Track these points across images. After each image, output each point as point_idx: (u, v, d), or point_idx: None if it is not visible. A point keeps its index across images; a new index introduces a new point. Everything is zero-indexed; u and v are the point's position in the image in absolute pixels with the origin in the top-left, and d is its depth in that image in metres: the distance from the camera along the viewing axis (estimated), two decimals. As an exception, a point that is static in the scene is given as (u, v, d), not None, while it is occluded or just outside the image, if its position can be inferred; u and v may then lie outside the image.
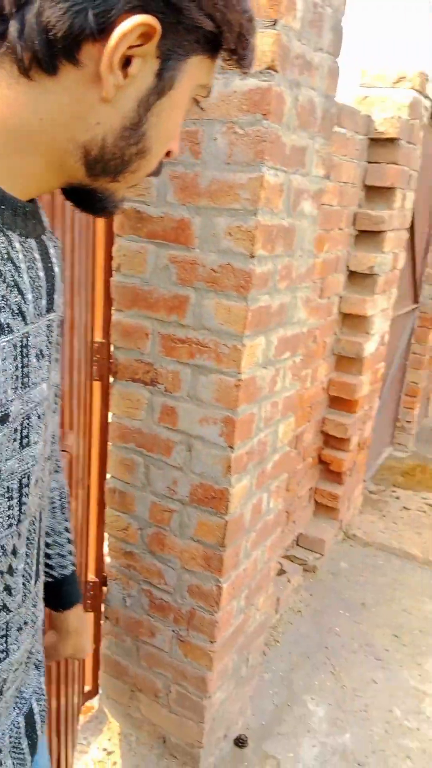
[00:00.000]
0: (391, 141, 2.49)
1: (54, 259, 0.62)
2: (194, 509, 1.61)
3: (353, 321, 2.80)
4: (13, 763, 0.70)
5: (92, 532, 1.81)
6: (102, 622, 1.87)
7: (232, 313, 1.43)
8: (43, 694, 0.78)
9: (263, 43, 1.24)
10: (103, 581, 1.84)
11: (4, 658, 0.64)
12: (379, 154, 2.53)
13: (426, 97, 2.67)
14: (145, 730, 1.84)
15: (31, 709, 0.75)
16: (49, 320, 0.61)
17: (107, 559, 1.81)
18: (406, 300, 3.84)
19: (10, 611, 0.62)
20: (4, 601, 0.61)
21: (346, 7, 1.51)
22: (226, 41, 0.54)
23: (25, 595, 0.65)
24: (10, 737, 0.70)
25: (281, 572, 2.62)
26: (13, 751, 0.70)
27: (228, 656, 1.76)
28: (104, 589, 1.85)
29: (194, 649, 1.68)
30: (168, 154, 0.62)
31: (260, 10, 1.23)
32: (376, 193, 2.61)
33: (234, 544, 1.64)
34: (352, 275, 2.74)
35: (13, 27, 0.48)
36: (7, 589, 0.60)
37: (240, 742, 1.90)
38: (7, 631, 0.63)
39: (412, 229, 3.40)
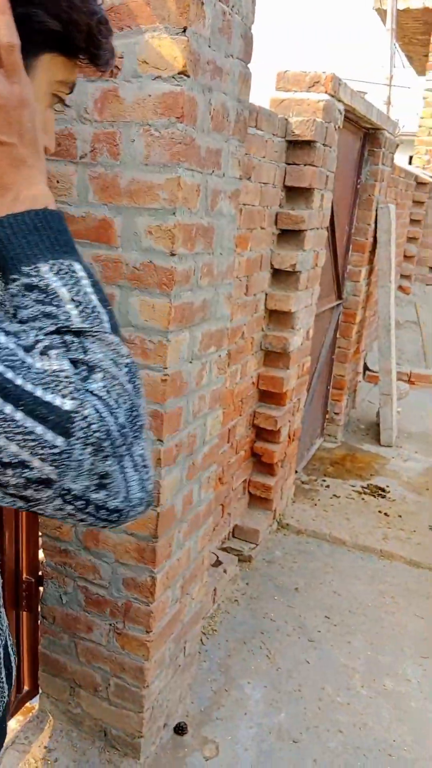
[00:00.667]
0: (308, 143, 2.59)
1: None
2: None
3: (279, 317, 2.89)
4: None
5: (26, 531, 1.81)
6: (39, 621, 1.87)
7: (156, 309, 1.47)
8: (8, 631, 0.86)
9: (174, 49, 1.29)
10: (39, 580, 1.85)
11: None
12: (296, 156, 2.63)
13: (339, 100, 2.80)
14: (86, 725, 1.86)
15: (6, 642, 0.81)
16: None
17: (42, 558, 1.82)
18: (330, 296, 3.99)
19: None
20: None
21: (254, 16, 1.58)
22: (75, 41, 0.61)
23: None
24: None
25: (217, 563, 2.68)
26: None
27: (165, 645, 1.81)
28: (40, 588, 1.85)
29: (131, 641, 1.72)
30: (46, 151, 0.66)
31: (170, 18, 1.28)
32: (296, 193, 2.71)
33: (166, 535, 1.69)
34: (276, 273, 2.83)
35: None
36: None
37: (180, 730, 1.94)
38: None
39: (332, 228, 3.54)
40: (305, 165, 2.63)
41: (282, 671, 2.24)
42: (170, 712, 1.95)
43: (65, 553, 1.75)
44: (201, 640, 2.34)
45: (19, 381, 0.51)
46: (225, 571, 2.65)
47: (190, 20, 1.29)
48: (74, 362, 0.55)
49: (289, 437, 3.26)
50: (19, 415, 0.51)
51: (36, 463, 0.52)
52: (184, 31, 1.28)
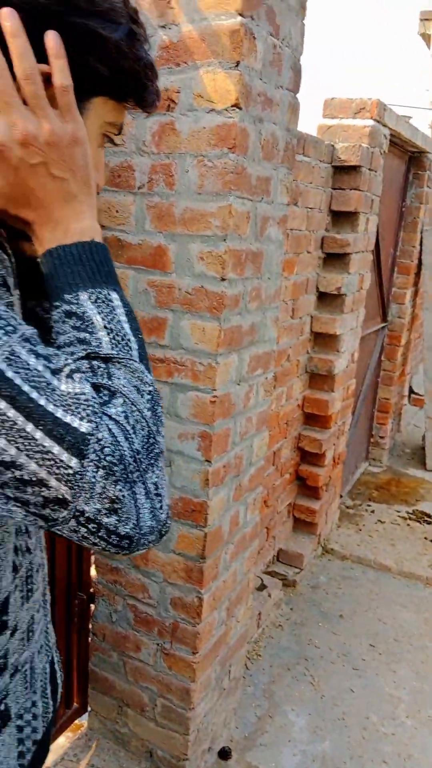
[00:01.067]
0: (354, 168, 2.62)
1: None
2: (175, 523, 1.66)
3: (324, 340, 2.90)
4: (42, 705, 0.80)
5: (78, 547, 1.85)
6: (90, 638, 1.90)
7: (206, 333, 1.51)
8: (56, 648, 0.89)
9: (228, 82, 1.34)
10: (90, 598, 1.88)
11: (30, 596, 0.74)
12: (342, 181, 2.66)
13: (384, 125, 2.82)
14: (132, 745, 1.87)
15: (53, 658, 0.85)
16: None
17: (94, 575, 1.85)
18: (375, 319, 3.97)
19: (32, 553, 0.75)
20: (27, 544, 0.73)
21: (303, 47, 1.62)
22: (123, 85, 0.65)
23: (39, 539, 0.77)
24: (41, 681, 0.80)
25: (262, 587, 2.67)
26: (43, 695, 0.80)
27: (210, 667, 1.81)
28: (91, 606, 1.88)
29: (178, 661, 1.73)
30: (96, 187, 0.69)
31: (224, 53, 1.34)
32: (341, 217, 2.74)
33: (214, 555, 1.70)
34: (322, 296, 2.85)
35: None
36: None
37: (224, 754, 1.93)
38: (31, 570, 0.74)
39: (377, 251, 3.54)
40: (351, 189, 2.65)
41: (326, 699, 2.21)
42: (215, 735, 1.94)
43: (116, 571, 1.78)
44: (245, 664, 2.33)
45: (42, 401, 0.53)
46: (269, 595, 2.63)
47: (243, 55, 1.34)
48: (97, 387, 0.57)
49: (334, 461, 3.24)
50: (39, 435, 0.53)
51: (53, 482, 0.53)
52: (237, 65, 1.33)
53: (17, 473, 0.53)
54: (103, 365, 0.58)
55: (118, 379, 0.58)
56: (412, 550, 3.25)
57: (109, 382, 0.57)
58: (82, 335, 0.59)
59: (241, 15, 1.30)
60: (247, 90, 1.38)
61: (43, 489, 0.53)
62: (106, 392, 0.57)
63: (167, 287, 1.50)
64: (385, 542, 3.31)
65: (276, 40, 1.46)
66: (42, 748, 0.83)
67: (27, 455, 0.53)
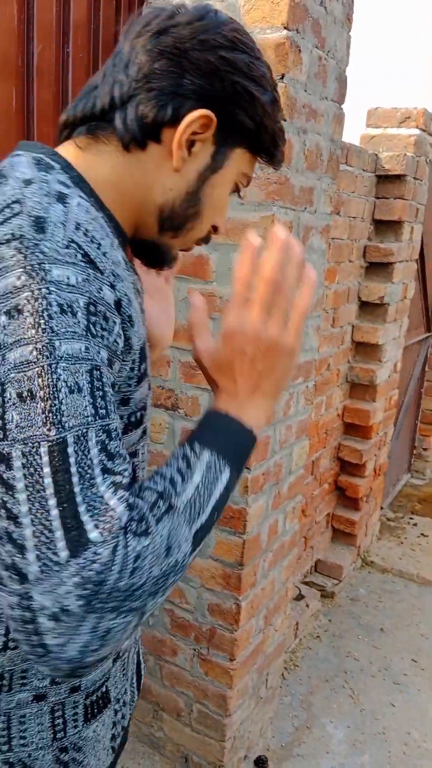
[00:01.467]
0: (398, 177, 2.61)
1: None
2: (214, 529, 1.68)
3: (366, 349, 2.88)
4: (130, 693, 0.87)
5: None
6: (125, 641, 1.92)
7: (247, 341, 1.52)
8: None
9: (272, 95, 1.36)
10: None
11: None
12: (386, 190, 2.65)
13: (430, 134, 2.80)
14: (168, 749, 1.88)
15: (139, 650, 0.91)
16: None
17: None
18: (419, 328, 3.92)
19: None
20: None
21: (349, 59, 1.63)
22: (262, 141, 0.74)
23: None
24: (131, 670, 0.87)
25: (300, 597, 2.65)
26: (131, 684, 0.87)
27: (248, 675, 1.81)
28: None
29: (215, 667, 1.73)
30: (215, 230, 0.80)
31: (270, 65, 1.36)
32: (385, 226, 2.72)
33: (252, 563, 1.71)
34: (364, 305, 2.83)
35: (118, 117, 0.69)
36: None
37: (260, 763, 1.92)
38: None
39: (422, 260, 3.50)
40: (395, 198, 2.64)
41: (366, 713, 2.18)
42: (251, 744, 1.94)
43: (153, 576, 1.80)
44: (283, 674, 2.31)
45: (76, 490, 0.53)
46: (307, 606, 2.62)
47: (288, 67, 1.35)
48: (141, 518, 0.56)
49: (375, 472, 3.20)
50: (54, 513, 0.52)
51: (31, 557, 0.52)
52: (282, 77, 1.35)
53: (10, 527, 0.53)
54: (164, 509, 0.58)
55: (163, 529, 0.58)
56: (455, 565, 3.18)
57: (154, 524, 0.57)
58: (176, 478, 0.61)
59: (286, 28, 1.32)
60: (292, 102, 1.39)
61: (18, 556, 0.53)
62: (143, 527, 0.56)
63: (208, 296, 1.53)
64: (428, 556, 3.25)
65: (321, 51, 1.47)
66: (125, 736, 0.88)
67: (31, 520, 0.52)
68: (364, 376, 2.90)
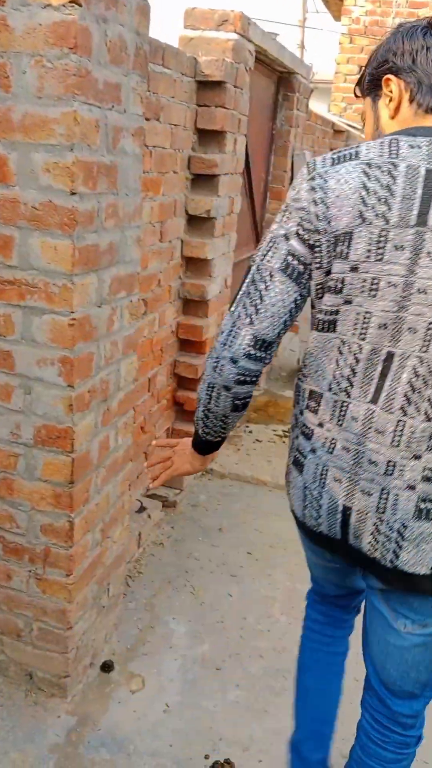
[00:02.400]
0: (218, 84, 2.55)
1: None
2: (40, 450, 1.63)
3: (195, 264, 2.88)
4: None
5: None
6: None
7: (58, 251, 1.44)
8: None
9: (63, -28, 1.23)
10: None
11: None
12: (207, 97, 2.58)
13: (249, 40, 2.75)
14: (11, 670, 1.88)
15: None
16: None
17: None
18: (249, 245, 4.00)
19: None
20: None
21: None
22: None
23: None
24: None
25: (142, 509, 2.72)
26: None
27: (87, 587, 1.84)
28: None
29: (52, 585, 1.74)
30: None
31: None
32: (208, 136, 2.67)
33: (83, 480, 1.70)
34: (192, 219, 2.81)
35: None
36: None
37: (106, 667, 2.00)
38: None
39: (248, 175, 3.52)
40: (216, 107, 2.59)
41: (206, 605, 2.34)
42: (96, 651, 2.00)
43: (-20, 504, 1.73)
44: (127, 582, 2.39)
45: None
46: (149, 516, 2.70)
47: None
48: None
49: (211, 385, 3.30)
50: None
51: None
52: None
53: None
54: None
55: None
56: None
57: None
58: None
59: None
60: (86, -18, 1.27)
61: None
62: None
63: (11, 202, 1.41)
64: (262, 460, 3.47)
65: None
66: None
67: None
68: (195, 292, 2.91)
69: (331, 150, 5.02)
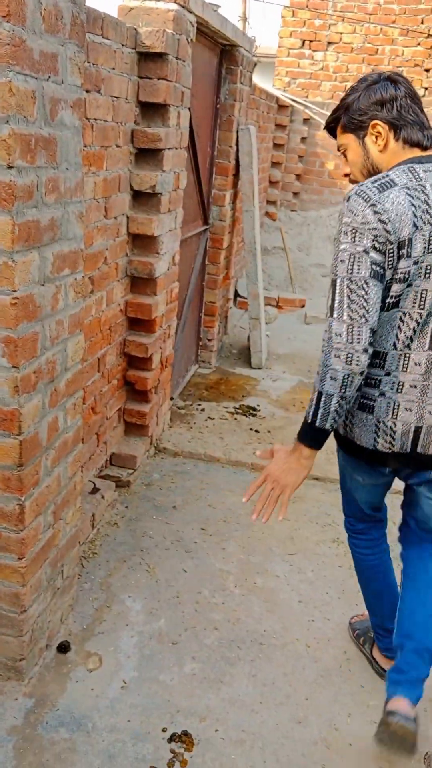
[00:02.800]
0: (160, 56, 2.50)
1: None
2: (-15, 434, 1.60)
3: (142, 241, 2.85)
4: None
5: None
6: None
7: (-3, 228, 1.40)
8: None
9: None
10: None
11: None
12: (149, 69, 2.53)
13: (190, 11, 2.70)
14: (-35, 657, 1.86)
15: None
16: None
17: None
18: (197, 221, 3.98)
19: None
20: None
21: None
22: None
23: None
24: None
25: (95, 490, 2.71)
26: None
27: (40, 570, 1.82)
28: None
29: (3, 569, 1.72)
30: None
31: None
32: (151, 110, 2.63)
33: (32, 462, 1.68)
34: (137, 195, 2.76)
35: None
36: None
37: (63, 648, 2.00)
38: None
39: (193, 150, 3.48)
40: (158, 79, 2.54)
41: (161, 582, 2.36)
42: (52, 633, 2.00)
43: None
44: (82, 563, 2.39)
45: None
46: (103, 497, 2.69)
47: None
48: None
49: (162, 364, 3.29)
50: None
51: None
52: None
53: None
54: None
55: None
56: (239, 440, 3.47)
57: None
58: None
59: None
60: None
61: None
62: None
63: None
64: (214, 436, 3.50)
65: None
66: None
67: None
68: (142, 270, 2.88)
69: (276, 125, 5.02)
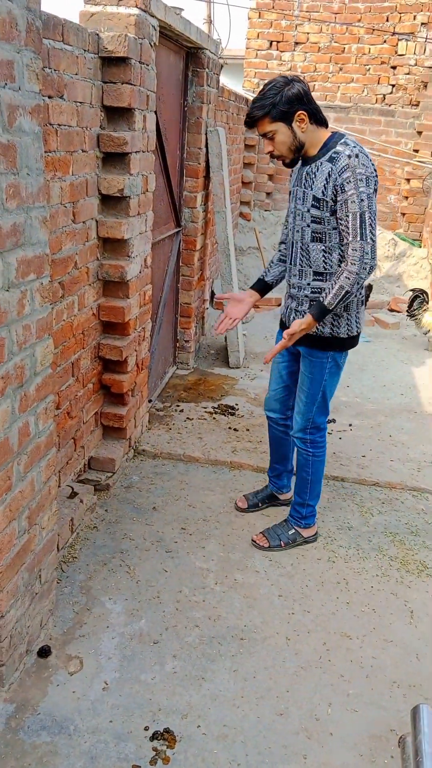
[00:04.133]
0: (123, 60, 2.51)
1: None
2: None
3: (113, 245, 2.86)
4: None
5: None
6: None
7: (-42, 235, 1.40)
8: None
9: None
10: None
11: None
12: (112, 74, 2.54)
13: (152, 15, 2.72)
14: None
15: None
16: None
17: None
18: (169, 224, 3.99)
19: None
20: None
21: None
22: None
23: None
24: None
25: (73, 495, 2.71)
26: None
27: (17, 575, 1.83)
28: None
29: (-21, 575, 1.72)
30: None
31: None
32: (116, 114, 2.64)
33: (4, 468, 1.68)
34: (106, 199, 2.77)
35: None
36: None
37: (43, 653, 2.00)
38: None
39: (162, 153, 3.50)
40: (122, 83, 2.55)
41: (141, 583, 2.37)
42: (32, 638, 2.00)
43: None
44: (61, 567, 2.39)
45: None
46: (82, 501, 2.69)
47: None
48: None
49: (138, 366, 3.29)
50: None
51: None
52: None
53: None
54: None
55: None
56: (217, 440, 3.49)
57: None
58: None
59: None
60: None
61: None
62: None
63: None
64: (193, 437, 3.52)
65: None
66: None
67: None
68: (114, 273, 2.89)
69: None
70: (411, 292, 5.73)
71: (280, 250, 2.63)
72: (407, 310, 5.67)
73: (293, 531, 2.67)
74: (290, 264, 2.45)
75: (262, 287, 2.65)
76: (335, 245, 2.30)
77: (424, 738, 1.52)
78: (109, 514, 2.79)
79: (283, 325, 2.60)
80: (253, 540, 2.65)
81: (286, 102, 2.15)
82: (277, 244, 2.64)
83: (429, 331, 5.39)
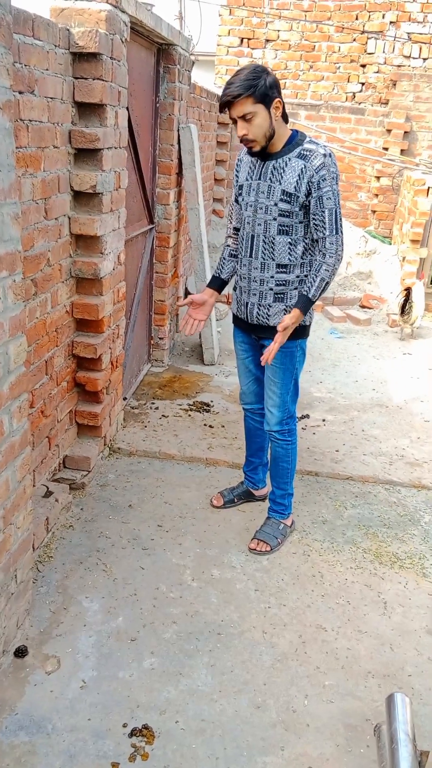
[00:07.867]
0: (94, 56, 2.50)
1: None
2: None
3: (86, 242, 2.84)
4: None
5: None
6: None
7: None
8: None
9: None
10: None
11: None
12: (84, 70, 2.53)
13: (123, 11, 2.70)
14: None
15: None
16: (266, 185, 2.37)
17: None
18: (142, 220, 3.98)
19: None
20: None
21: None
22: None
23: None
24: None
25: (48, 494, 2.69)
26: None
27: (-8, 575, 1.81)
28: None
29: None
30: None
31: None
32: (88, 110, 2.62)
33: (-22, 467, 1.66)
34: (78, 195, 2.75)
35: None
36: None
37: (20, 653, 1.99)
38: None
39: (134, 149, 3.49)
40: (94, 79, 2.54)
41: (118, 581, 2.36)
42: (8, 638, 1.99)
43: None
44: (37, 567, 2.37)
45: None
46: (57, 500, 2.68)
47: None
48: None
49: (112, 364, 3.28)
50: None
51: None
52: None
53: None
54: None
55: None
56: (193, 437, 3.50)
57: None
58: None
59: None
60: None
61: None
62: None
63: None
64: (168, 434, 3.52)
65: None
66: None
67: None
68: (87, 270, 2.88)
69: (219, 123, 5.07)
70: (404, 293, 5.56)
71: (228, 245, 2.64)
72: (401, 314, 5.53)
73: (282, 525, 2.69)
74: (249, 257, 2.44)
75: (219, 284, 2.68)
76: (300, 238, 2.35)
77: (398, 726, 1.55)
78: (84, 513, 2.78)
79: (243, 323, 2.62)
80: (251, 549, 2.59)
81: (268, 86, 2.15)
82: (225, 239, 2.66)
83: (413, 322, 5.40)
